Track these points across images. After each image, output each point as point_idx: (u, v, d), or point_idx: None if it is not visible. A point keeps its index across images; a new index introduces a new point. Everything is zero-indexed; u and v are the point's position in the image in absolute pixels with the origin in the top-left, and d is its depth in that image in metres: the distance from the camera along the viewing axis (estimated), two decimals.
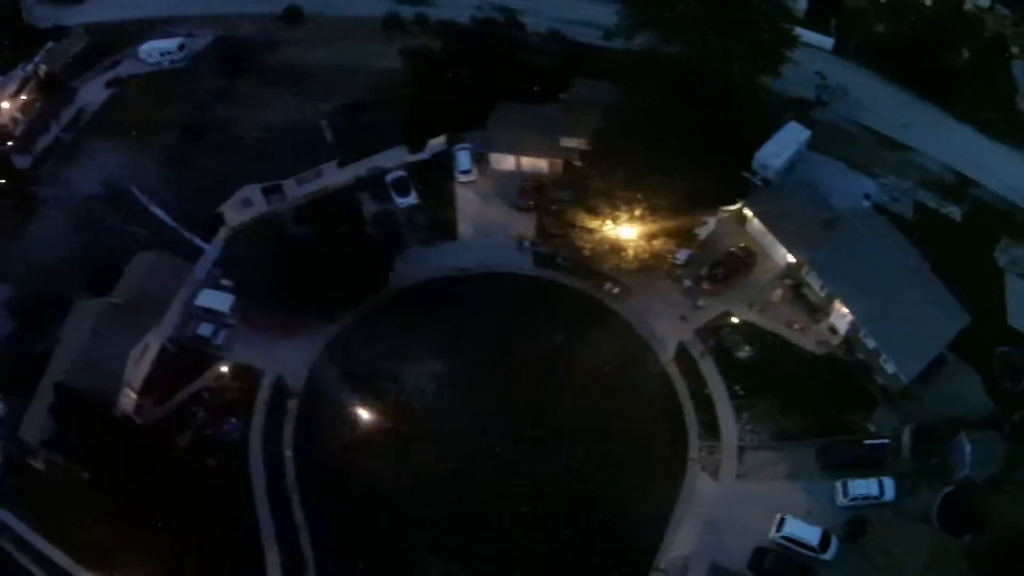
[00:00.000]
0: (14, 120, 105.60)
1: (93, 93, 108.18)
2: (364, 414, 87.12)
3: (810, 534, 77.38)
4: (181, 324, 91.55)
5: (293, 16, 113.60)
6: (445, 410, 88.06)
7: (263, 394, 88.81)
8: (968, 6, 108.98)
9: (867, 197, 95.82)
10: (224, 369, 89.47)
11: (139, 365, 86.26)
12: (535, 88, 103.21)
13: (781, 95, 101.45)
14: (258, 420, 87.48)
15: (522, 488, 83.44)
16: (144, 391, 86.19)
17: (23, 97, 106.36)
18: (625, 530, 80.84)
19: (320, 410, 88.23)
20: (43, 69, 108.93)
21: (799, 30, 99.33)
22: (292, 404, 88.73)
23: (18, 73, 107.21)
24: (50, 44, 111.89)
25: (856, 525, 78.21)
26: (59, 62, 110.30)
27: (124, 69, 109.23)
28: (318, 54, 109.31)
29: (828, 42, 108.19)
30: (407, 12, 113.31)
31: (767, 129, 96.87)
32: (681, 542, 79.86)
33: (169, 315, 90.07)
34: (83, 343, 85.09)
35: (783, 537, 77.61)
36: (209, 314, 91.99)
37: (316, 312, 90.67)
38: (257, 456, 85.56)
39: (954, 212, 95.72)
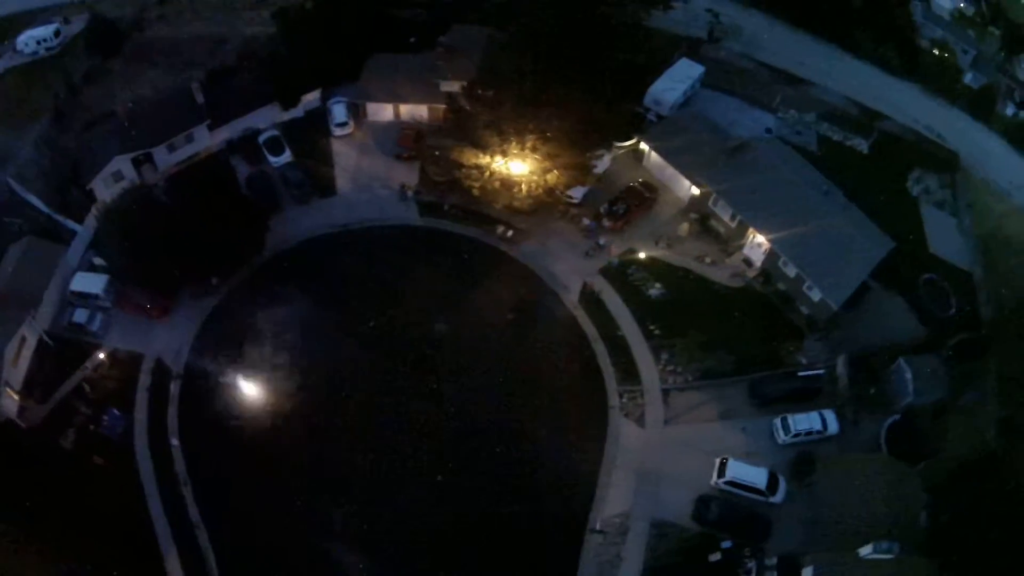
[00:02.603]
0: None
1: None
2: (251, 389, 77.55)
3: (756, 476, 69.61)
4: (58, 313, 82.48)
5: None
6: (336, 375, 78.44)
7: (144, 379, 79.24)
8: None
9: (768, 131, 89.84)
10: (102, 356, 79.36)
11: (17, 361, 77.16)
12: (411, 40, 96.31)
13: (672, 33, 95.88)
14: (141, 409, 77.59)
15: (433, 454, 73.91)
16: (25, 390, 77.16)
17: None
18: (551, 492, 72.29)
19: (204, 390, 78.30)
20: None
21: None
22: (174, 387, 78.64)
23: None
24: None
25: (802, 463, 70.62)
26: None
27: (2, 63, 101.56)
28: (190, 27, 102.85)
29: None
30: None
31: (659, 67, 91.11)
32: (615, 499, 71.65)
33: (44, 304, 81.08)
34: None
35: (726, 482, 69.65)
36: (84, 299, 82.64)
37: (190, 285, 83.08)
38: (143, 449, 75.47)
39: (860, 144, 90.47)
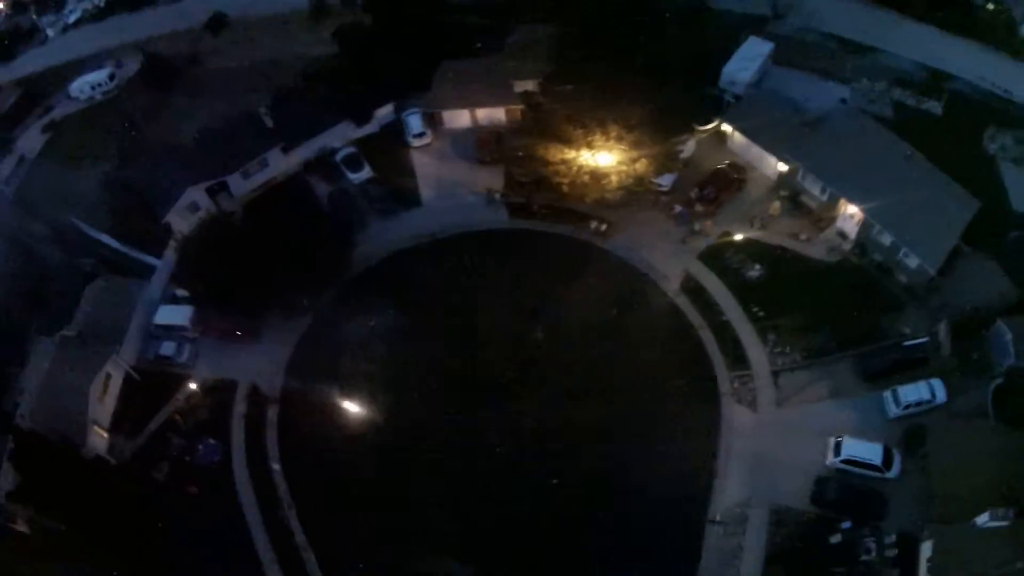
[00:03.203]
0: None
1: (31, 141, 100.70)
2: (349, 406, 77.20)
3: (872, 452, 68.54)
4: (142, 348, 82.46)
5: (218, 24, 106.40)
6: (435, 386, 78.25)
7: (239, 407, 79.15)
8: None
9: (843, 101, 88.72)
10: (193, 387, 79.50)
11: (104, 399, 77.01)
12: (477, 46, 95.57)
13: (735, 14, 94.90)
14: (238, 436, 77.72)
15: (543, 458, 73.62)
16: (114, 426, 77.14)
17: None
18: (669, 486, 70.96)
19: (302, 412, 78.34)
20: None
21: None
22: (271, 412, 78.54)
23: None
24: None
25: (914, 435, 69.55)
26: None
27: (59, 111, 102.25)
28: (248, 55, 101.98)
29: None
30: None
31: (728, 48, 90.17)
32: (733, 487, 70.76)
33: (127, 340, 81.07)
34: (39, 382, 76.08)
35: (843, 461, 68.40)
36: (169, 331, 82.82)
37: (279, 308, 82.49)
38: (243, 476, 75.50)
39: (934, 107, 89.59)
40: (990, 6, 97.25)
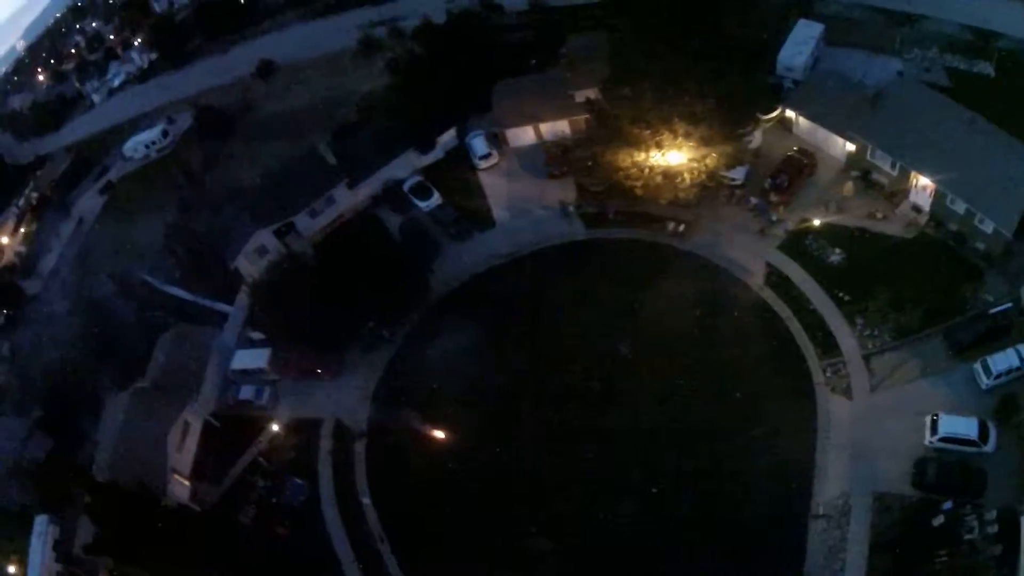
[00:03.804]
0: (18, 254, 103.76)
1: (88, 203, 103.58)
2: (437, 434, 77.29)
3: (967, 427, 66.98)
4: (221, 395, 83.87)
5: (266, 70, 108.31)
6: (523, 407, 78.53)
7: (325, 444, 79.74)
8: None
9: (900, 74, 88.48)
10: (276, 428, 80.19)
11: (183, 447, 78.36)
12: (532, 62, 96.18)
13: (776, 1, 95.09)
14: (325, 473, 78.34)
15: (639, 467, 74.03)
16: (196, 473, 78.23)
17: (22, 229, 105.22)
18: (769, 482, 70.82)
19: (390, 445, 78.85)
20: (34, 197, 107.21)
21: None
22: (359, 447, 79.25)
23: (12, 210, 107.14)
24: (37, 173, 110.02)
25: (1008, 404, 68.31)
26: (48, 185, 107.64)
27: (114, 173, 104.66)
28: (301, 97, 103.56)
29: None
30: (380, 31, 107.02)
31: (780, 33, 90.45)
32: (834, 478, 69.60)
33: (204, 388, 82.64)
34: (115, 434, 77.42)
35: (940, 439, 67.45)
36: (248, 375, 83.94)
37: (359, 342, 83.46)
38: (332, 513, 76.21)
39: (986, 68, 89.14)
40: None
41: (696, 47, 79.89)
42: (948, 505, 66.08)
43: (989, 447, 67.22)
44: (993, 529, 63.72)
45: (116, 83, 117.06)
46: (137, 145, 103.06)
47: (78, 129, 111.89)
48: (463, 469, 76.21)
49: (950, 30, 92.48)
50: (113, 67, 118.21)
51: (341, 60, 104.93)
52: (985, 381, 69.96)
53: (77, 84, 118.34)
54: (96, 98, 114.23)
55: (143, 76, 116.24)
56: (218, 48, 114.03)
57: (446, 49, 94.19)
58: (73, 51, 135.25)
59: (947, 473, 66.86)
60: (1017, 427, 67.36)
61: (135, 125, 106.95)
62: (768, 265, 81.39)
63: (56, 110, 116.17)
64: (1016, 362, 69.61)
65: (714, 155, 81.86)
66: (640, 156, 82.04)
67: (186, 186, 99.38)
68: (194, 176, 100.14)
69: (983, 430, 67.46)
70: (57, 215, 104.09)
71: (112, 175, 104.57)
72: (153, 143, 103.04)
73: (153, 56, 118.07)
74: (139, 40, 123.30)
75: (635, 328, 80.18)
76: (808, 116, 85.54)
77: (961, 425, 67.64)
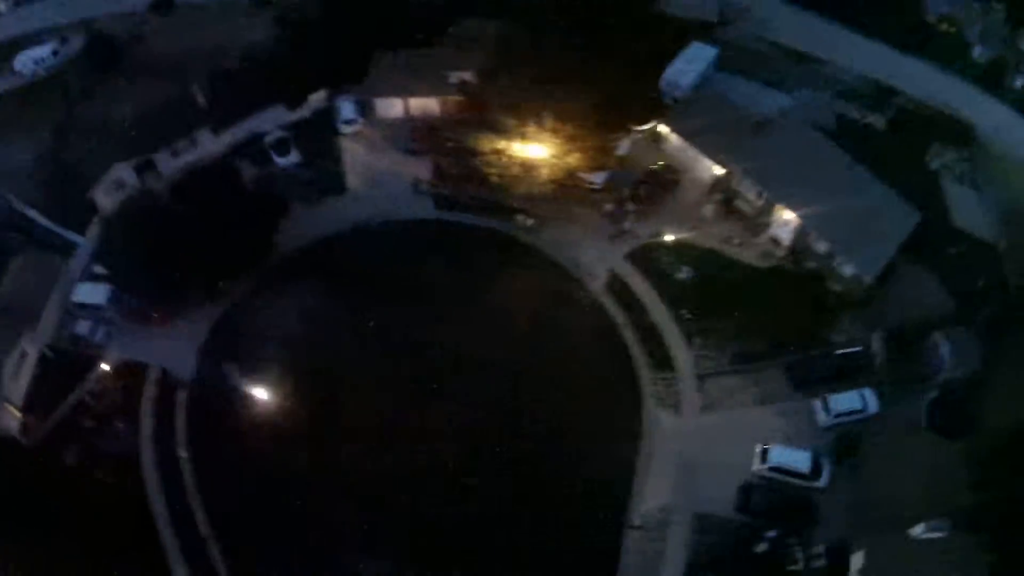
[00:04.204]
0: None
1: None
2: (260, 395, 74.44)
3: (800, 460, 66.48)
4: (60, 326, 79.51)
5: (164, 5, 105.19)
6: (349, 378, 75.34)
7: (149, 391, 76.55)
8: None
9: (785, 111, 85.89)
10: (106, 368, 76.87)
11: (18, 377, 74.86)
12: (418, 36, 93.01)
13: (682, 19, 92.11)
14: (147, 421, 74.97)
15: (456, 456, 70.92)
16: (27, 406, 74.06)
17: None
18: (587, 487, 68.95)
19: (213, 399, 76.05)
20: None
21: None
22: (181, 397, 75.86)
23: None
24: None
25: (845, 444, 67.47)
26: None
27: (1, 86, 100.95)
28: (188, 40, 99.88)
29: None
30: None
31: (671, 52, 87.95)
32: (654, 491, 68.23)
33: (45, 318, 78.71)
34: None
35: (770, 469, 66.08)
36: (86, 310, 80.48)
37: (196, 291, 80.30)
38: (150, 462, 72.78)
39: (878, 120, 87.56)
40: (944, 26, 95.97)
41: (587, 52, 78.83)
42: (772, 533, 65.11)
43: (821, 482, 66.42)
44: (820, 563, 63.13)
45: None
46: (27, 60, 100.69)
47: None
48: (280, 432, 73.42)
49: (848, 77, 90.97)
50: None
51: (237, 7, 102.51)
52: (824, 418, 69.66)
53: None
54: (3, 7, 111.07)
55: None
56: None
57: (337, 11, 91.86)
58: None
59: (774, 502, 66.08)
60: (854, 467, 66.80)
61: (31, 40, 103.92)
62: (612, 272, 78.75)
63: None
64: (859, 404, 69.53)
65: (577, 155, 79.84)
66: (502, 144, 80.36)
67: (63, 111, 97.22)
68: (72, 102, 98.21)
69: (816, 465, 66.50)
70: None
71: None
72: (42, 60, 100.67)
73: None
74: None
75: (468, 318, 76.75)
76: (681, 134, 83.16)
77: (793, 457, 67.50)
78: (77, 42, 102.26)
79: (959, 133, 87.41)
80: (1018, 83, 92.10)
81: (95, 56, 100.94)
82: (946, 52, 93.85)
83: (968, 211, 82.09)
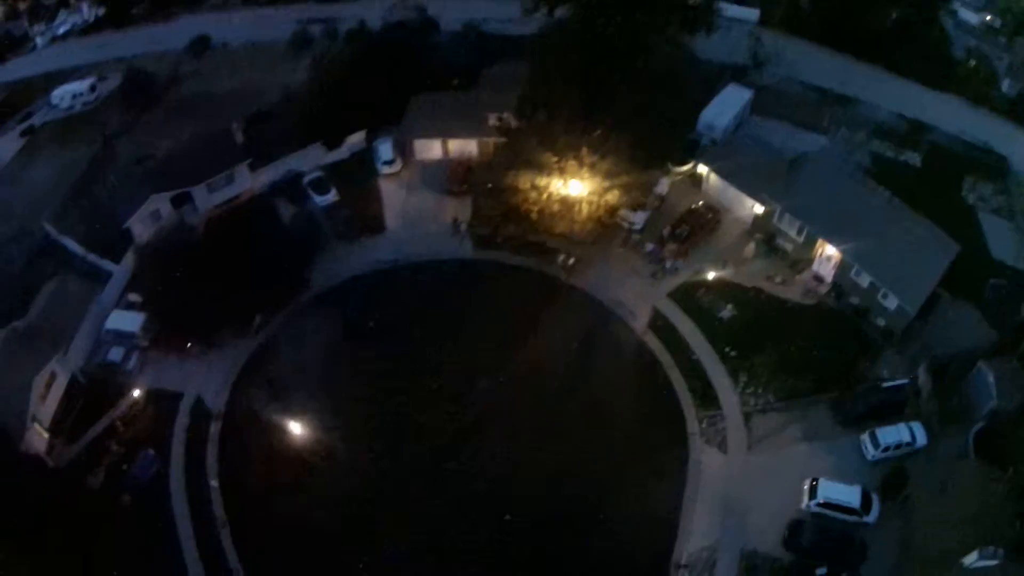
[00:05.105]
0: None
1: (6, 143, 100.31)
2: (293, 429, 73.28)
3: (849, 495, 64.55)
4: (90, 353, 79.32)
5: (200, 47, 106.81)
6: (389, 416, 73.78)
7: (182, 420, 75.29)
8: None
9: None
10: (137, 395, 76.03)
11: (47, 397, 73.61)
12: (454, 82, 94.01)
13: (715, 63, 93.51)
14: (178, 450, 73.65)
15: (497, 493, 69.09)
16: (55, 428, 73.37)
17: None
18: (632, 528, 66.52)
19: (245, 430, 74.24)
20: None
21: (723, 3, 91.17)
22: (214, 428, 74.70)
23: None
24: None
25: (894, 478, 65.45)
26: None
27: (38, 118, 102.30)
28: (226, 80, 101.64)
29: (753, 14, 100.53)
30: (317, 29, 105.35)
31: (707, 96, 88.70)
32: (701, 531, 66.11)
33: (77, 342, 78.24)
34: None
35: (819, 504, 64.18)
36: (120, 338, 79.61)
37: (231, 324, 79.42)
38: (179, 490, 71.27)
39: (913, 158, 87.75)
40: (971, 62, 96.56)
41: (623, 95, 78.49)
42: (822, 572, 62.92)
43: (871, 518, 64.39)
44: None
45: (61, 31, 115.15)
46: (65, 95, 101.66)
47: (17, 69, 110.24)
48: (313, 467, 72.13)
49: (882, 116, 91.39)
50: (62, 15, 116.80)
51: (273, 51, 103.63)
52: (872, 452, 67.82)
53: (27, 24, 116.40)
54: (40, 42, 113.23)
55: (87, 30, 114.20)
56: (162, 16, 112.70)
57: (373, 56, 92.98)
58: None
59: (823, 539, 63.73)
60: (903, 501, 64.44)
61: (68, 76, 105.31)
62: (655, 310, 77.83)
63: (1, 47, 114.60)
64: (907, 437, 67.71)
65: (616, 192, 79.27)
66: (541, 180, 79.62)
67: (100, 146, 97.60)
68: (109, 137, 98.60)
69: (866, 500, 64.72)
70: None
71: (35, 120, 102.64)
72: (80, 95, 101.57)
73: (100, 12, 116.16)
74: None
75: (509, 357, 75.86)
76: (720, 173, 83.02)
77: (842, 492, 65.36)
78: (115, 80, 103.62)
79: (992, 166, 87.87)
80: None
81: (133, 93, 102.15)
82: (975, 87, 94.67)
83: (1005, 243, 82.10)
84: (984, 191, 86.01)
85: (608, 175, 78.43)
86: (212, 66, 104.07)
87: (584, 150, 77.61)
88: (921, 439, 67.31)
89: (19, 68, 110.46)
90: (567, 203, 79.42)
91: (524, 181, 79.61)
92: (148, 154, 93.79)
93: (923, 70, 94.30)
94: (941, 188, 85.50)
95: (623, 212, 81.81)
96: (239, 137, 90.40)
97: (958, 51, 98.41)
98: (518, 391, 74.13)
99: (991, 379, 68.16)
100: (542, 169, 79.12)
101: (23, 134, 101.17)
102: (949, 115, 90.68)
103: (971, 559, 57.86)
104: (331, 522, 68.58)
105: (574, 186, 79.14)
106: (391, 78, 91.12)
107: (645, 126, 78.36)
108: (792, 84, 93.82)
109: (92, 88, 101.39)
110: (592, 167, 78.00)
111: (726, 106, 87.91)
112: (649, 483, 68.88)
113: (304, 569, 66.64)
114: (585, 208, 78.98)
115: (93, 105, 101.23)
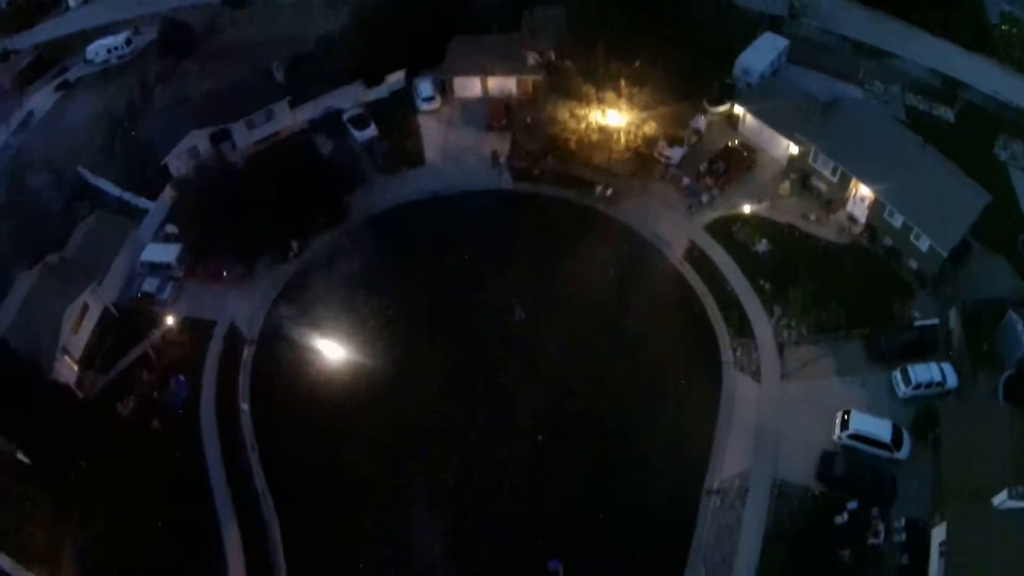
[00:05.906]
0: None
1: (42, 98, 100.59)
2: (327, 355, 72.80)
3: (881, 428, 63.84)
4: (125, 287, 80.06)
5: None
6: (422, 342, 73.65)
7: (215, 346, 75.24)
8: None
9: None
10: (170, 323, 76.07)
11: (79, 329, 74.30)
12: (494, 24, 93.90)
13: (753, 12, 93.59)
14: (209, 375, 73.54)
15: (530, 417, 68.47)
16: (87, 359, 74.20)
17: None
18: (665, 453, 66.14)
19: (278, 356, 73.75)
20: None
21: None
22: (247, 353, 74.16)
23: None
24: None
25: (925, 416, 64.52)
26: (6, 78, 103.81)
27: (73, 73, 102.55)
28: (263, 31, 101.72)
29: None
30: None
31: (743, 45, 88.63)
32: (733, 458, 65.71)
33: (111, 274, 78.71)
34: (17, 304, 73.40)
35: (850, 436, 63.50)
36: (155, 269, 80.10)
37: (269, 253, 79.90)
38: (209, 414, 71.16)
39: (946, 113, 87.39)
40: (1005, 26, 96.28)
41: (661, 38, 78.07)
42: (854, 505, 62.32)
43: (902, 454, 63.78)
44: (901, 538, 60.53)
45: None
46: (99, 49, 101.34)
47: (48, 30, 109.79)
48: (345, 393, 71.34)
49: (917, 72, 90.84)
50: None
51: (310, 2, 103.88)
52: (903, 390, 67.08)
53: None
54: (72, 2, 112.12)
55: None
56: None
57: (414, 5, 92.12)
58: None
59: (855, 472, 63.08)
60: (934, 440, 63.49)
61: (103, 32, 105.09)
62: (691, 242, 77.77)
63: (32, 11, 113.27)
64: (938, 376, 66.93)
65: (653, 123, 79.78)
66: (580, 110, 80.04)
67: (137, 95, 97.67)
68: (147, 87, 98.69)
69: (897, 435, 63.99)
70: (8, 105, 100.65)
71: (71, 75, 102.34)
72: (115, 48, 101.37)
73: None
74: None
75: (547, 284, 75.75)
76: (756, 114, 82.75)
77: (874, 425, 64.62)
78: (151, 34, 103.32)
79: None
80: None
81: (170, 43, 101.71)
82: (1008, 50, 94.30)
83: None
84: (1016, 150, 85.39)
85: (646, 106, 78.54)
86: (249, 17, 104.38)
87: (623, 80, 77.31)
88: (951, 380, 66.47)
89: (52, 29, 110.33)
90: (605, 133, 79.53)
91: (563, 111, 79.70)
92: (185, 96, 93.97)
93: (957, 32, 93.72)
94: (973, 144, 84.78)
95: (660, 146, 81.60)
96: (279, 76, 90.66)
97: (992, 16, 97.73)
98: (553, 317, 73.93)
99: (1021, 327, 67.51)
100: (581, 100, 79.07)
101: (58, 88, 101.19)
102: (982, 75, 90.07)
103: (1000, 499, 57.16)
104: (364, 443, 68.19)
105: (612, 117, 79.05)
106: (431, 25, 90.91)
107: (682, 58, 78.31)
108: (827, 36, 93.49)
109: (128, 42, 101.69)
110: (630, 98, 77.89)
111: (762, 52, 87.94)
112: (682, 409, 68.61)
113: (331, 493, 66.45)
114: (623, 138, 78.90)
115: (128, 59, 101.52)
